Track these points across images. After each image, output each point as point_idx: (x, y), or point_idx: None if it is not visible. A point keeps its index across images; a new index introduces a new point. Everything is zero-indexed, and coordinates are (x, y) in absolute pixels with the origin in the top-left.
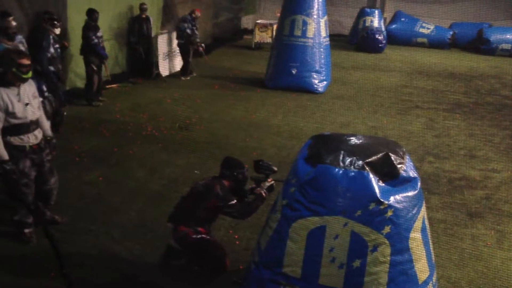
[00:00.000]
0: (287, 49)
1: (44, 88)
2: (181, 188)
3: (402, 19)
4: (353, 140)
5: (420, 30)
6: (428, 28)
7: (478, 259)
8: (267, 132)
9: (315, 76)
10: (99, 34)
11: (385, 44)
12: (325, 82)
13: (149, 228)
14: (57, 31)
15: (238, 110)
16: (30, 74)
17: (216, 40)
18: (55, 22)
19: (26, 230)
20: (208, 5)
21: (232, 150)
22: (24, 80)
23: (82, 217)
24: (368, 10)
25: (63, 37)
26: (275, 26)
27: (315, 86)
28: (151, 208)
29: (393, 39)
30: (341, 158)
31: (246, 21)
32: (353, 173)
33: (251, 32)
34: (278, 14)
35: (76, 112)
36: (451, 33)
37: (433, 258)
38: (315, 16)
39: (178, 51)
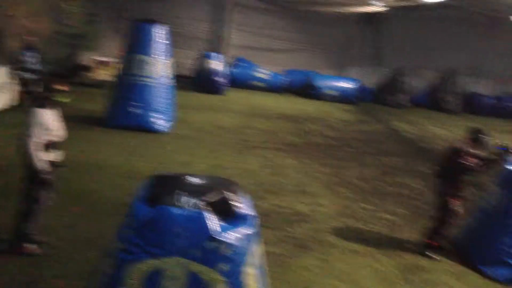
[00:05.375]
0: (129, 88)
1: None
2: None
3: (242, 63)
4: (192, 180)
5: (258, 75)
6: (265, 73)
7: None
8: (107, 172)
9: (158, 116)
10: None
11: (227, 86)
12: (168, 122)
13: None
14: None
15: (76, 151)
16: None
17: (52, 76)
18: None
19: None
20: (44, 39)
21: (67, 192)
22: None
23: None
24: (211, 53)
25: None
26: (116, 64)
27: (158, 126)
28: None
29: (234, 82)
30: (179, 198)
31: (86, 58)
32: (190, 213)
33: (90, 69)
34: (120, 52)
35: None
36: (285, 78)
37: None
38: (159, 56)
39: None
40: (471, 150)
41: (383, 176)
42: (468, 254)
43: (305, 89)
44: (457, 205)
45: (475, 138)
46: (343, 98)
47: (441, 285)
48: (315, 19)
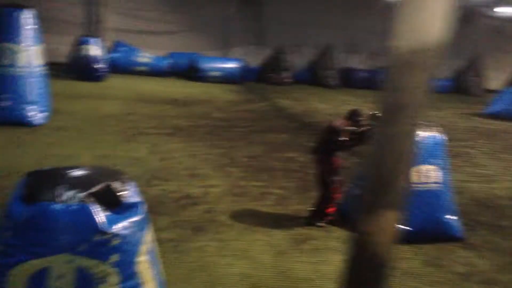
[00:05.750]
0: None
1: None
2: None
3: (122, 48)
4: (74, 173)
5: (140, 60)
6: (147, 57)
7: (203, 269)
8: None
9: (31, 107)
10: None
11: (107, 72)
12: (44, 114)
13: None
14: None
15: None
16: None
17: None
18: None
19: None
20: None
21: None
22: None
23: None
24: (87, 38)
25: None
26: None
27: (32, 118)
28: None
29: (115, 68)
30: (60, 193)
31: None
32: (74, 207)
33: None
34: None
35: None
36: (168, 61)
37: (163, 277)
38: (26, 44)
39: None
40: (347, 128)
41: (271, 153)
42: (352, 219)
43: (189, 71)
44: (335, 179)
45: (351, 117)
46: (228, 79)
47: (329, 250)
48: (195, 0)
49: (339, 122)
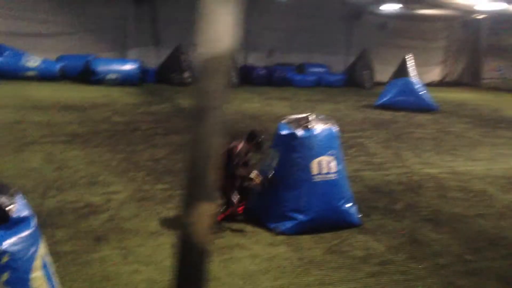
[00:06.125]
0: None
1: None
2: None
3: (6, 52)
4: None
5: (28, 64)
6: (35, 61)
7: (106, 279)
8: None
9: None
10: None
11: None
12: None
13: None
14: None
15: None
16: None
17: None
18: None
19: None
20: None
21: None
22: None
23: None
24: None
25: None
26: None
27: None
28: None
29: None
30: None
31: None
32: None
33: None
34: None
35: None
36: (59, 65)
37: None
38: None
39: None
40: (245, 148)
41: (174, 155)
42: (259, 216)
43: (83, 75)
44: (237, 197)
45: (250, 138)
46: (126, 81)
47: (236, 247)
48: (87, 0)
49: (238, 146)
